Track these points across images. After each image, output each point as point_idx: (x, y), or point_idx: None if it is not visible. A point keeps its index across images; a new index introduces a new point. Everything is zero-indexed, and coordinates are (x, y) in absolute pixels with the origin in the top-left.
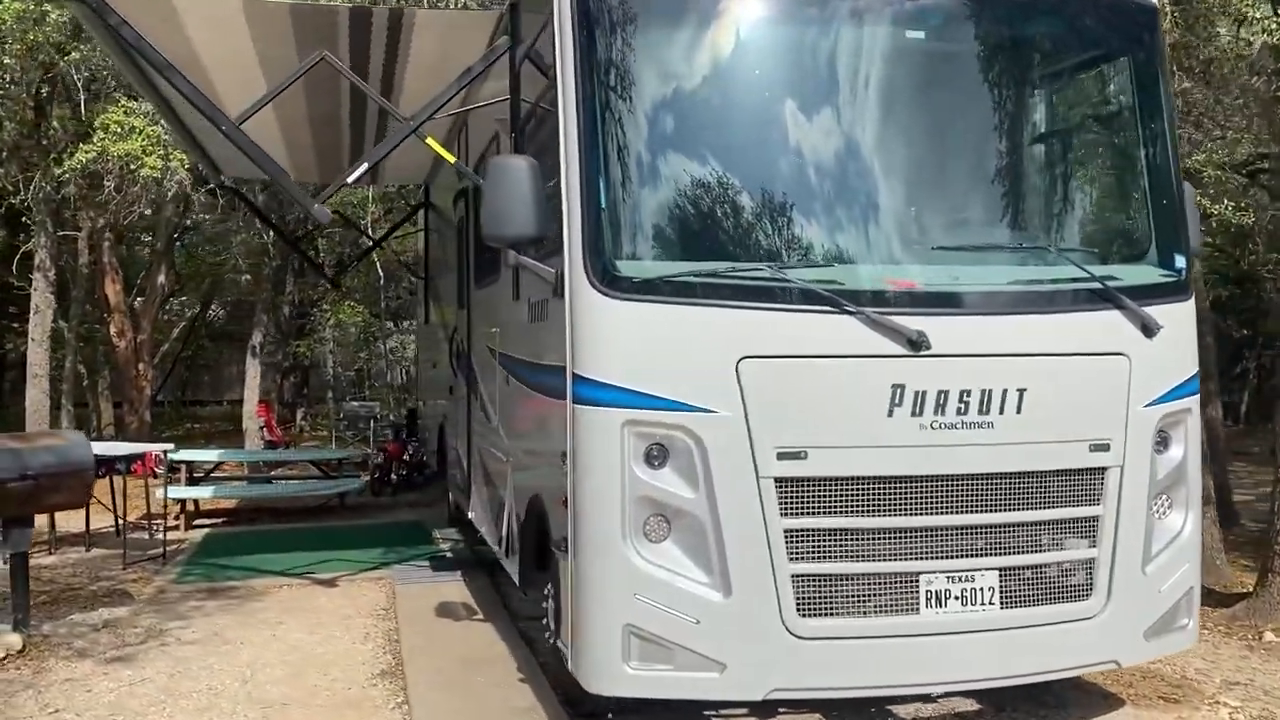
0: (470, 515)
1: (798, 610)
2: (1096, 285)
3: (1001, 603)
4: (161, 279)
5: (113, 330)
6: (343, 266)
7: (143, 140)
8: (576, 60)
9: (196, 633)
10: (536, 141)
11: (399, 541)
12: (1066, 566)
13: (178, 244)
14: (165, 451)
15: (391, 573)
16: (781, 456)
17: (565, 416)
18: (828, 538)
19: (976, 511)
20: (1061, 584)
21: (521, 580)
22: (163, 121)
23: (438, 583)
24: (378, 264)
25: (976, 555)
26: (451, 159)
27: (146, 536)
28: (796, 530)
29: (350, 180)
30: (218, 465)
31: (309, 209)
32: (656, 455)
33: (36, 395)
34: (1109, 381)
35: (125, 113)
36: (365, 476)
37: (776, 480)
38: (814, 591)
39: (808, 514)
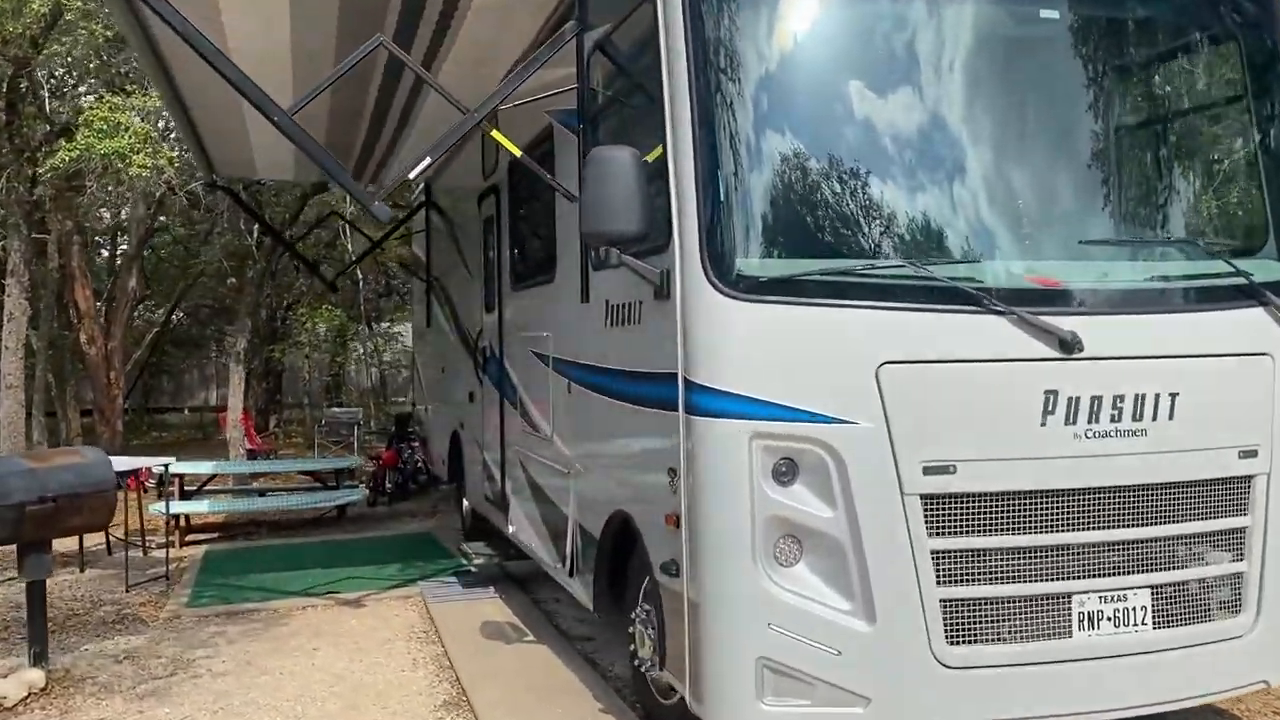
0: (510, 530)
1: (946, 638)
2: (1243, 281)
3: (1154, 623)
4: (132, 283)
5: (83, 337)
6: (343, 269)
7: (130, 138)
8: (689, 44)
9: (226, 662)
10: (611, 131)
11: (414, 555)
12: (1215, 582)
13: (148, 249)
14: (166, 465)
15: (419, 590)
16: (928, 471)
17: (671, 428)
18: (978, 558)
19: (1130, 526)
20: (1211, 601)
21: (596, 603)
22: (155, 118)
23: (472, 600)
24: (357, 268)
25: (1129, 573)
26: (518, 152)
27: (141, 555)
28: (945, 551)
29: (412, 176)
30: (212, 478)
31: (368, 205)
32: (785, 471)
33: (12, 406)
34: (1255, 383)
35: (111, 109)
36: (363, 486)
37: (923, 497)
38: (963, 617)
39: (957, 533)
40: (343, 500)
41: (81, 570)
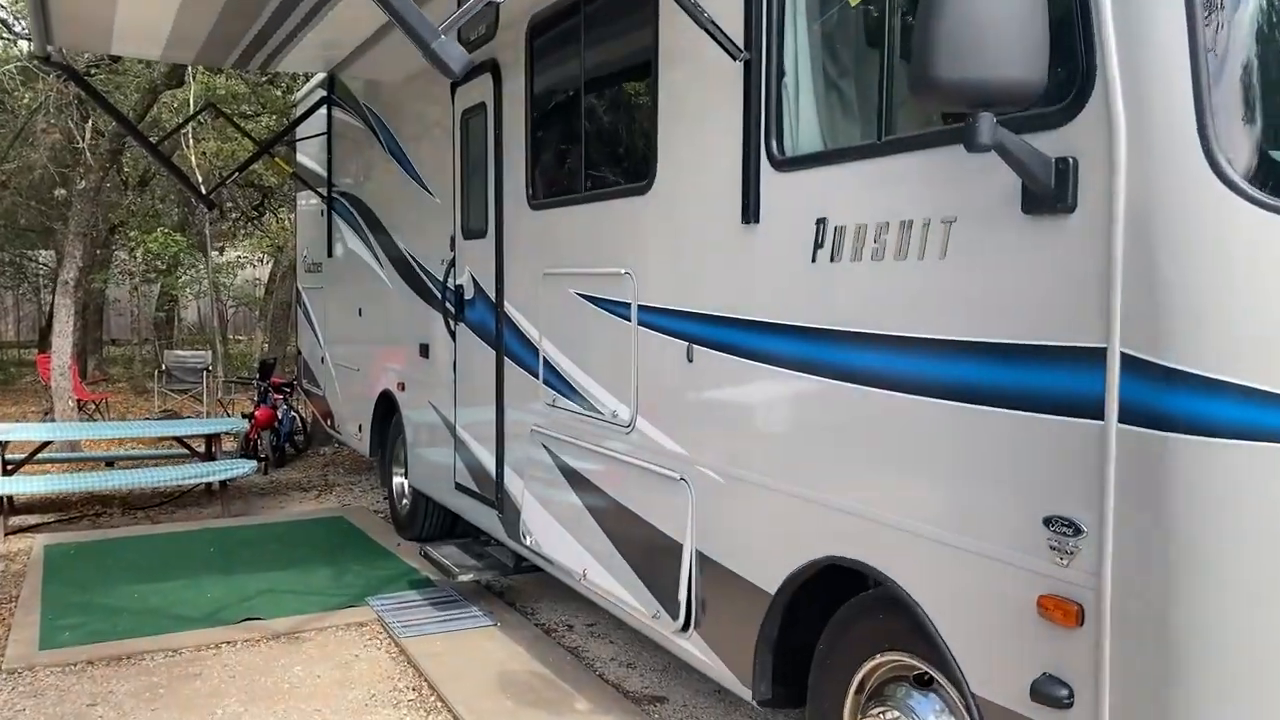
0: (524, 540)
1: None
2: None
3: None
4: None
5: None
6: (221, 181)
7: None
8: None
9: None
10: None
11: (337, 550)
12: None
13: None
14: None
15: (373, 611)
16: None
17: (1063, 443)
18: None
19: None
20: None
21: (758, 688)
22: None
23: (458, 630)
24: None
25: None
26: None
27: None
28: None
29: (480, 6)
30: (43, 445)
31: (445, 61)
32: None
33: None
34: None
35: None
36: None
37: None
38: None
39: None
40: (230, 474)
41: None
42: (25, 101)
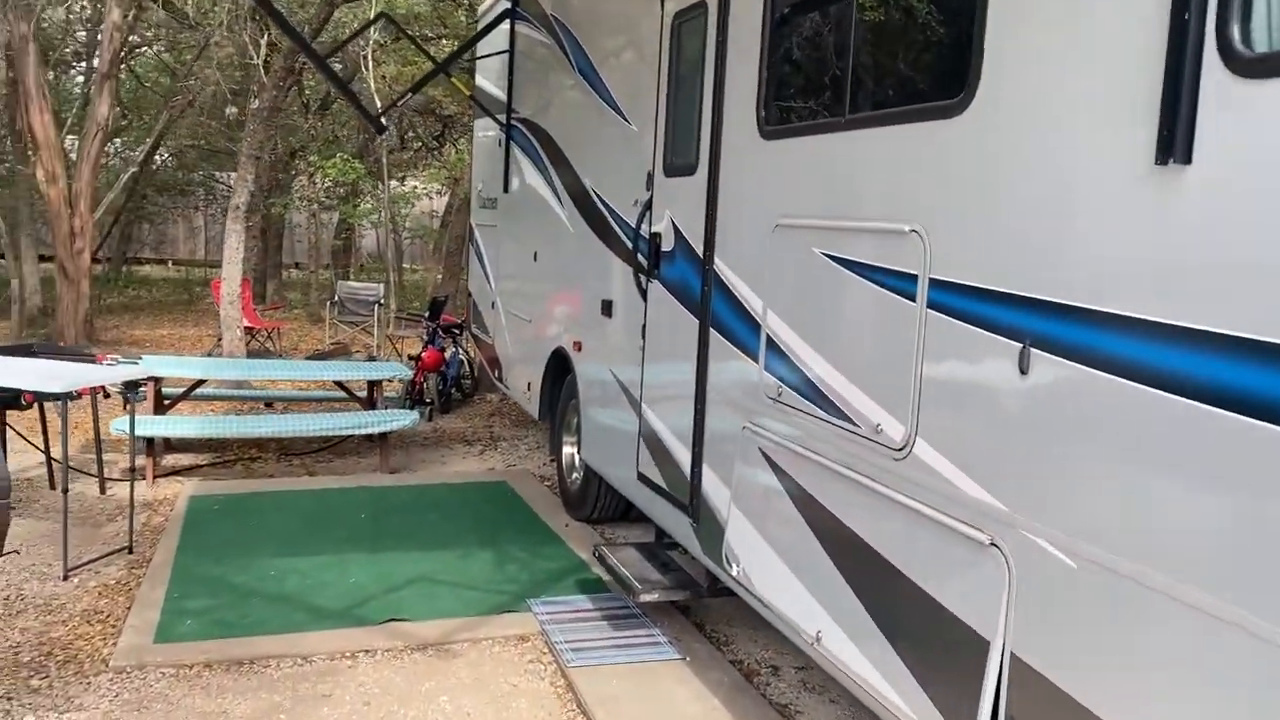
0: (731, 569)
1: None
2: None
3: None
4: (104, 110)
5: (40, 173)
6: (392, 103)
7: None
8: None
9: None
10: None
11: (498, 527)
12: None
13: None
14: (117, 360)
15: (536, 620)
16: None
17: None
18: None
19: None
20: None
21: None
22: None
23: (635, 661)
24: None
25: None
26: None
27: (98, 493)
28: None
29: None
30: (197, 384)
31: None
32: None
33: None
34: None
35: None
36: (405, 399)
37: None
38: None
39: None
40: (390, 426)
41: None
42: (210, 16)
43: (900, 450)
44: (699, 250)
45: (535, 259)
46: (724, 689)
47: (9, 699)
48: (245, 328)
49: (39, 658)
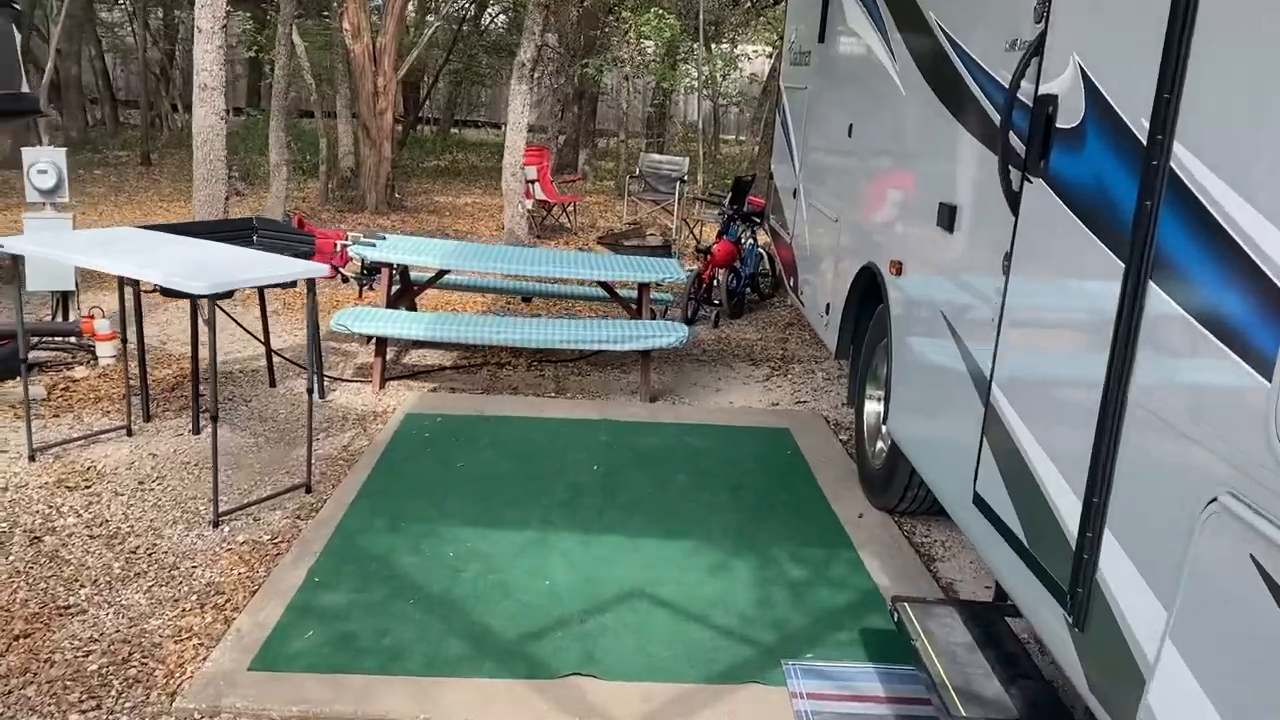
0: (1154, 701)
1: None
2: None
3: None
4: None
5: (345, 25)
6: None
7: None
8: None
9: None
10: None
11: (768, 512)
12: None
13: None
14: (343, 245)
15: (787, 694)
16: None
17: None
18: None
19: None
20: None
21: None
22: None
23: None
24: None
25: None
26: None
27: (319, 398)
28: None
29: None
30: (440, 275)
31: None
32: None
33: (208, 117)
34: None
35: None
36: (677, 310)
37: None
38: None
39: None
40: (651, 344)
41: (196, 432)
42: None
43: None
44: (1138, 128)
45: (850, 133)
46: None
47: None
48: (540, 201)
49: (110, 666)
